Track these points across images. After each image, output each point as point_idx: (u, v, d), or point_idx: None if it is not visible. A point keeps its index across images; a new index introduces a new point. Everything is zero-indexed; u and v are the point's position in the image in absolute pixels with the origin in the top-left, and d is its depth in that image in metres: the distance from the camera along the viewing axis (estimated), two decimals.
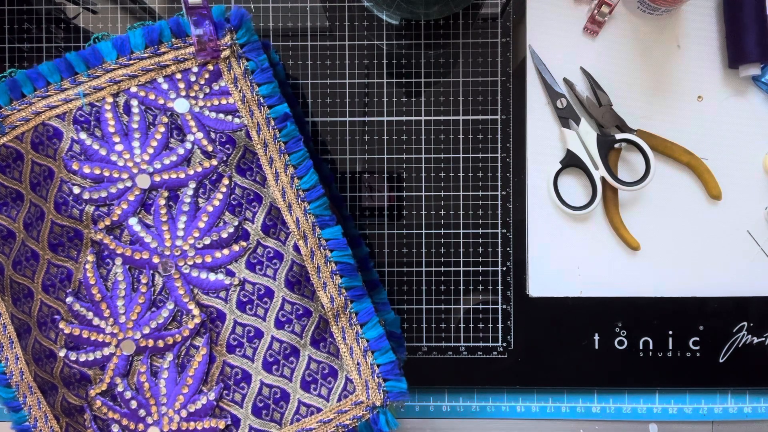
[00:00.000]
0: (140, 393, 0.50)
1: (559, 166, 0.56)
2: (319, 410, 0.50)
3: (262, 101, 0.49)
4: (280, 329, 0.50)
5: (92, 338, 0.50)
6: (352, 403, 0.50)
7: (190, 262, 0.50)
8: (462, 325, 0.58)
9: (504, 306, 0.57)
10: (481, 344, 0.58)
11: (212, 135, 0.49)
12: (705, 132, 0.57)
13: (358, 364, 0.50)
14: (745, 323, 0.57)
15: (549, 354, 0.57)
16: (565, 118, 0.56)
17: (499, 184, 0.57)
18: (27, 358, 0.51)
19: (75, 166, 0.49)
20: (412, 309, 0.57)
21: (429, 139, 0.57)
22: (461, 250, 0.57)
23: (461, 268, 0.57)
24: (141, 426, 0.50)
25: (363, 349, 0.50)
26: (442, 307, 0.58)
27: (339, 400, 0.50)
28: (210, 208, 0.50)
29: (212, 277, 0.50)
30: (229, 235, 0.50)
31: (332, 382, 0.50)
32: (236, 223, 0.50)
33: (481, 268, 0.57)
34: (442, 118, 0.57)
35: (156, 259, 0.50)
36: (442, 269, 0.58)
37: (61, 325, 0.50)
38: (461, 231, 0.57)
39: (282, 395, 0.50)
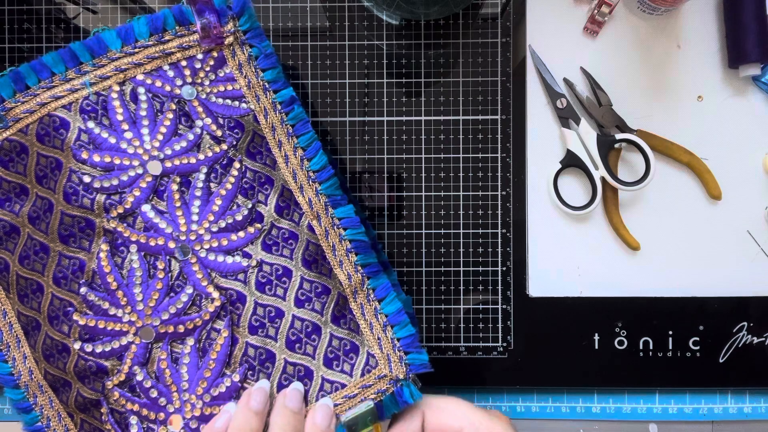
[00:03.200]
0: (161, 381, 0.50)
1: (559, 166, 0.56)
2: (343, 386, 0.50)
3: (267, 86, 0.49)
4: (301, 308, 0.50)
5: (108, 328, 0.50)
6: (375, 378, 0.49)
7: (207, 246, 0.50)
8: (462, 325, 0.57)
9: (504, 306, 0.57)
10: (481, 344, 0.57)
11: (220, 120, 0.50)
12: (705, 132, 0.57)
13: (378, 339, 0.50)
14: (745, 323, 0.57)
15: (549, 354, 0.57)
16: (565, 118, 0.56)
17: (499, 184, 0.57)
18: (36, 356, 0.50)
19: (84, 155, 0.49)
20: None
21: (429, 139, 0.57)
22: (461, 250, 0.57)
23: (461, 268, 0.57)
24: (162, 415, 0.50)
25: (382, 324, 0.50)
26: (442, 307, 0.57)
27: (362, 375, 0.50)
28: (223, 192, 0.50)
29: (229, 260, 0.50)
30: (243, 217, 0.50)
31: (354, 358, 0.50)
32: (250, 206, 0.50)
33: (481, 268, 0.57)
34: (442, 118, 0.57)
35: (172, 245, 0.50)
36: (442, 269, 0.57)
37: (75, 317, 0.50)
38: (461, 231, 0.57)
39: (306, 372, 0.50)
